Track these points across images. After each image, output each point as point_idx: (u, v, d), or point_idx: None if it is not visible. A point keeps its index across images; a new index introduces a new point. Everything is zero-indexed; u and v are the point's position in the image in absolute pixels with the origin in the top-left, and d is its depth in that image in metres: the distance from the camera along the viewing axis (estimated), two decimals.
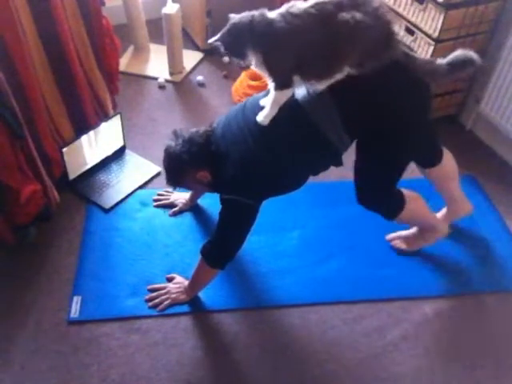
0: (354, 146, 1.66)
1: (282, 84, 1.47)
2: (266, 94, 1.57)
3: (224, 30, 1.42)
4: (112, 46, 2.28)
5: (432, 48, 2.20)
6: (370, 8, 1.37)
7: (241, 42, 1.40)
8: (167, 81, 2.85)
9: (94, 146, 2.23)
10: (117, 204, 2.15)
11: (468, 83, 2.46)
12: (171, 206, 2.15)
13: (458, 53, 1.48)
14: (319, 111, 1.53)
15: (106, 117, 2.30)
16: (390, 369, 1.69)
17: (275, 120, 1.53)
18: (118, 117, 2.28)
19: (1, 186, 1.71)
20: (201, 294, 1.84)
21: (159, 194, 2.20)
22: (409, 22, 2.30)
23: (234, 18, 1.42)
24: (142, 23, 2.94)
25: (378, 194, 1.75)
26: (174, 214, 2.13)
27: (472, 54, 1.47)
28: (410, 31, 2.31)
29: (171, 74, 2.89)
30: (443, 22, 2.12)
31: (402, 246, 2.02)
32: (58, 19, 1.87)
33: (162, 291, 1.83)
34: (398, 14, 2.34)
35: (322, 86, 1.49)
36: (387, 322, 1.81)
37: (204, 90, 2.83)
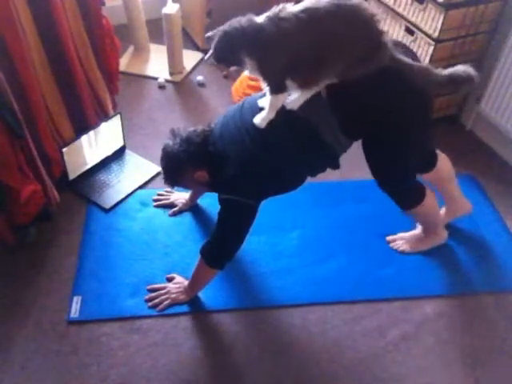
0: (353, 146, 1.67)
1: (277, 88, 1.47)
2: (265, 94, 1.57)
3: (216, 40, 1.41)
4: (112, 46, 2.28)
5: (432, 48, 2.20)
6: (361, 19, 1.36)
7: (235, 49, 1.40)
8: (167, 81, 2.85)
9: (94, 146, 2.23)
10: (117, 204, 2.15)
11: None
12: (171, 205, 2.15)
13: (459, 67, 1.48)
14: (315, 113, 1.53)
15: (105, 117, 2.30)
16: (390, 369, 1.69)
17: (272, 121, 1.53)
18: (118, 117, 2.28)
19: (1, 186, 1.71)
20: (201, 294, 1.84)
21: (159, 194, 2.20)
22: (409, 21, 2.30)
23: (219, 29, 1.42)
24: (142, 23, 2.94)
25: (395, 187, 1.76)
26: (174, 214, 2.13)
27: (471, 71, 1.46)
28: (410, 31, 2.31)
29: (171, 74, 2.89)
30: (443, 22, 2.12)
31: (403, 246, 2.02)
32: (58, 19, 1.87)
33: (162, 291, 1.83)
34: (398, 13, 2.34)
35: (309, 93, 1.49)
36: (387, 322, 1.81)
37: (204, 89, 2.83)
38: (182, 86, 2.84)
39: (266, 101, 1.53)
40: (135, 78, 2.87)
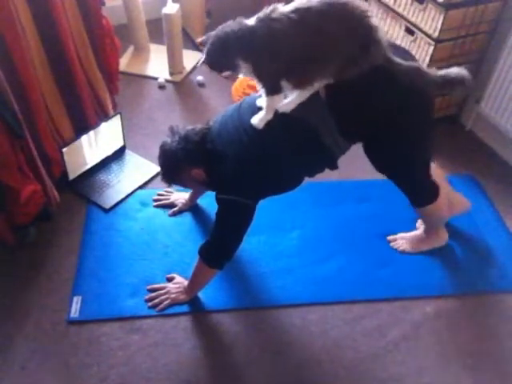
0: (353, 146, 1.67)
1: (272, 90, 1.47)
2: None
3: (208, 46, 1.41)
4: (112, 46, 2.28)
5: (432, 48, 2.20)
6: (352, 16, 1.35)
7: (229, 53, 1.40)
8: (167, 81, 2.85)
9: (94, 146, 2.23)
10: (117, 204, 2.15)
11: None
12: (171, 205, 2.15)
13: (453, 69, 1.47)
14: (314, 114, 1.53)
15: (105, 117, 2.30)
16: (390, 369, 1.69)
17: (270, 121, 1.53)
18: (118, 117, 2.28)
19: (1, 186, 1.71)
20: (200, 294, 1.84)
21: (159, 194, 2.20)
22: (409, 22, 2.30)
23: (210, 35, 1.42)
24: (142, 23, 2.94)
25: (405, 185, 1.78)
26: (174, 214, 2.13)
27: (465, 74, 1.46)
28: (410, 31, 2.31)
29: (171, 74, 2.89)
30: (443, 22, 2.12)
31: (403, 246, 2.02)
32: (58, 19, 1.87)
33: (162, 291, 1.83)
34: (398, 13, 2.34)
35: (304, 94, 1.49)
36: (387, 322, 1.81)
37: (204, 90, 2.83)
38: (182, 86, 2.84)
39: (263, 100, 1.53)
40: (135, 78, 2.87)
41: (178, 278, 1.86)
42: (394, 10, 2.35)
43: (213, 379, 1.65)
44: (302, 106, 1.53)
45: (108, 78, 2.32)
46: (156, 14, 2.91)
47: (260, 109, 1.54)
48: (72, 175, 2.19)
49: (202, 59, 1.45)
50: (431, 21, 2.17)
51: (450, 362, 1.71)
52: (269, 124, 1.53)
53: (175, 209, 2.13)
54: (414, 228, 2.07)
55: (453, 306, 1.87)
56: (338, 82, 1.46)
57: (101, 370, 1.64)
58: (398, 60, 1.45)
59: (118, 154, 2.36)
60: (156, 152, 1.75)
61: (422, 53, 2.26)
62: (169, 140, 1.69)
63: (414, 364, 1.70)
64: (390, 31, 2.41)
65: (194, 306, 1.82)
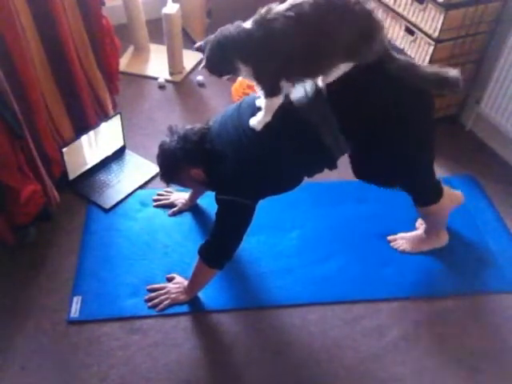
0: None
1: (271, 92, 1.47)
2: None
3: (208, 51, 1.41)
4: (112, 46, 2.28)
5: (432, 48, 2.20)
6: (347, 5, 1.35)
7: (229, 56, 1.40)
8: (167, 81, 2.85)
9: (94, 146, 2.23)
10: (117, 204, 2.15)
11: (468, 83, 2.45)
12: (171, 205, 2.15)
13: (447, 69, 1.47)
14: (315, 112, 1.53)
15: (105, 117, 2.30)
16: (390, 369, 1.69)
17: (270, 121, 1.52)
18: (118, 117, 2.28)
19: (1, 186, 1.71)
20: (200, 294, 1.84)
21: (159, 194, 2.20)
22: (409, 22, 2.30)
23: (208, 40, 1.42)
24: (142, 23, 2.94)
25: (409, 185, 1.79)
26: (174, 214, 2.13)
27: (457, 75, 1.45)
28: (410, 31, 2.31)
29: (171, 74, 2.89)
30: (443, 22, 2.12)
31: (403, 246, 2.02)
32: (58, 19, 1.87)
33: (162, 291, 1.83)
34: (398, 13, 2.34)
35: (325, 80, 1.49)
36: (387, 322, 1.81)
37: (204, 90, 2.83)
38: (182, 86, 2.84)
39: (262, 102, 1.53)
40: (135, 78, 2.87)
41: (178, 278, 1.86)
42: (394, 10, 2.35)
43: (213, 379, 1.65)
44: (302, 105, 1.53)
45: (108, 78, 2.32)
46: (156, 13, 2.91)
47: (259, 109, 1.54)
48: (72, 175, 2.19)
49: (203, 64, 1.45)
50: (431, 21, 2.17)
51: (450, 362, 1.71)
52: (268, 124, 1.53)
53: (175, 209, 2.13)
54: (414, 228, 2.07)
55: (453, 305, 1.87)
56: (339, 79, 1.46)
57: (101, 369, 1.64)
58: (395, 55, 1.46)
59: (118, 154, 2.36)
60: (156, 152, 1.75)
61: (421, 53, 2.26)
62: (168, 139, 1.69)
63: (414, 364, 1.70)
64: (390, 31, 2.41)
65: (194, 306, 1.82)
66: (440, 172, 2.27)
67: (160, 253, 1.98)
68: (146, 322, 1.77)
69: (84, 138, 2.16)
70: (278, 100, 1.50)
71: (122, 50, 2.69)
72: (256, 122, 1.53)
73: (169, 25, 2.71)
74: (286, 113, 1.52)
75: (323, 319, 1.81)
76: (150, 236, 2.04)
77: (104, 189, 2.20)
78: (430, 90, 1.60)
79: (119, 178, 2.26)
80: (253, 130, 1.54)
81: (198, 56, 3.02)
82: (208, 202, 2.13)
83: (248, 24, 1.38)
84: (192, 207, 2.15)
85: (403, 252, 2.01)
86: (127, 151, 2.39)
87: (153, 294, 1.82)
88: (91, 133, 2.18)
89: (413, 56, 2.29)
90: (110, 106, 2.37)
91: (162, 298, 1.81)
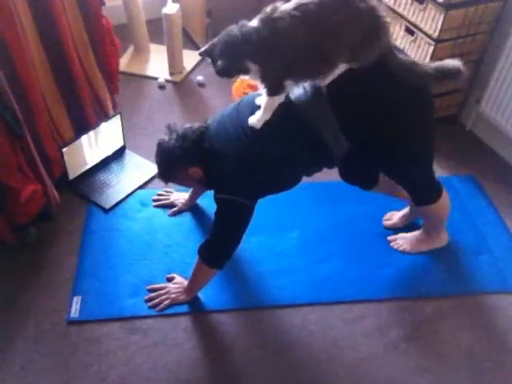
0: None
1: (274, 90, 1.47)
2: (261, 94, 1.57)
3: (217, 53, 1.39)
4: (112, 45, 2.28)
5: (432, 48, 2.20)
6: (352, 2, 1.35)
7: (240, 57, 1.39)
8: (167, 81, 2.85)
9: (94, 146, 2.23)
10: (117, 204, 2.15)
11: (468, 83, 2.46)
12: (171, 205, 2.15)
13: (447, 61, 1.48)
14: (313, 111, 1.53)
15: (105, 117, 2.30)
16: (390, 369, 1.69)
17: (269, 120, 1.52)
18: (118, 117, 2.28)
19: (1, 186, 1.71)
20: (200, 294, 1.84)
21: (159, 194, 2.20)
22: (409, 22, 2.30)
23: (214, 42, 1.40)
24: (142, 23, 2.94)
25: (408, 183, 1.78)
26: (174, 214, 2.13)
27: (459, 65, 1.46)
28: (410, 31, 2.31)
29: (171, 74, 2.89)
30: (443, 22, 2.12)
31: (403, 246, 2.02)
32: (58, 19, 1.87)
33: (162, 291, 1.83)
34: (398, 13, 2.34)
35: (324, 81, 1.49)
36: (387, 322, 1.81)
37: (204, 90, 2.83)
38: (181, 86, 2.84)
39: (262, 100, 1.53)
40: (135, 78, 2.87)
41: (178, 278, 1.86)
42: (394, 10, 2.35)
43: (213, 379, 1.65)
44: (301, 104, 1.53)
45: (108, 77, 2.32)
46: (156, 13, 2.91)
47: (259, 107, 1.54)
48: (72, 175, 2.19)
49: (214, 68, 1.43)
50: (431, 21, 2.17)
51: (450, 362, 1.71)
52: (268, 122, 1.53)
53: (175, 209, 2.13)
54: (413, 228, 2.07)
55: (453, 305, 1.86)
56: (339, 78, 1.46)
57: (101, 369, 1.64)
58: (397, 54, 1.46)
59: (118, 154, 2.36)
60: None
61: (422, 53, 2.26)
62: (166, 138, 1.68)
63: (414, 364, 1.70)
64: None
65: (194, 306, 1.82)
66: (440, 172, 2.28)
67: (160, 253, 1.98)
68: (146, 322, 1.77)
69: (84, 138, 2.16)
70: (280, 99, 1.50)
71: (122, 49, 2.69)
72: (255, 120, 1.53)
73: (169, 25, 2.71)
74: (286, 111, 1.52)
75: (323, 319, 1.81)
76: (150, 236, 2.04)
77: (104, 189, 2.20)
78: (431, 88, 1.60)
79: (119, 178, 2.26)
80: (252, 128, 1.54)
81: (198, 56, 3.01)
82: (208, 202, 2.13)
83: (254, 23, 1.38)
84: (192, 207, 2.15)
85: (403, 252, 2.01)
86: (127, 151, 2.39)
87: (153, 294, 1.82)
88: (91, 133, 2.18)
89: (413, 56, 2.29)
90: (109, 106, 2.37)
91: (162, 297, 1.81)
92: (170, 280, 1.87)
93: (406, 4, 2.29)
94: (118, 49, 2.37)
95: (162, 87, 2.81)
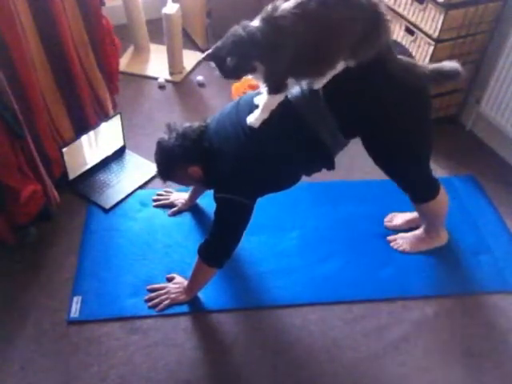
0: (353, 147, 1.66)
1: (276, 89, 1.47)
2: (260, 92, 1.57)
3: (226, 53, 1.38)
4: (112, 45, 2.28)
5: (432, 48, 2.20)
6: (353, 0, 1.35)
7: (247, 57, 1.38)
8: (167, 81, 2.85)
9: (94, 146, 2.23)
10: (117, 204, 2.15)
11: (468, 83, 2.46)
12: (171, 205, 2.15)
13: (445, 63, 1.48)
14: (311, 111, 1.53)
15: (105, 117, 2.30)
16: (390, 369, 1.69)
17: (267, 119, 1.52)
18: (118, 117, 2.28)
19: (1, 186, 1.71)
20: (200, 294, 1.84)
21: (159, 194, 2.20)
22: (409, 22, 2.30)
23: (218, 46, 1.39)
24: (142, 23, 2.94)
25: (404, 181, 1.78)
26: (174, 214, 2.13)
27: (457, 66, 1.46)
28: (410, 31, 2.31)
29: (171, 74, 2.89)
30: (443, 22, 2.12)
31: (403, 246, 2.02)
32: (58, 19, 1.87)
33: (162, 291, 1.83)
34: (398, 13, 2.34)
35: (319, 84, 1.49)
36: (387, 322, 1.81)
37: (204, 90, 2.83)
38: (182, 86, 2.84)
39: (261, 99, 1.52)
40: (135, 78, 2.87)
41: (178, 278, 1.86)
42: (394, 10, 2.35)
43: (213, 379, 1.65)
44: (299, 103, 1.53)
45: (108, 77, 2.32)
46: (156, 13, 2.91)
47: (258, 107, 1.54)
48: (72, 175, 2.19)
49: (228, 69, 1.41)
50: (431, 21, 2.17)
51: (450, 362, 1.71)
52: (266, 121, 1.52)
53: (175, 209, 2.13)
54: (413, 228, 2.07)
55: (453, 305, 1.87)
56: (335, 77, 1.46)
57: (101, 369, 1.64)
58: (396, 54, 1.46)
59: (118, 154, 2.36)
60: None
61: (422, 53, 2.26)
62: (166, 137, 1.68)
63: (414, 364, 1.70)
64: None
65: (193, 306, 1.82)
66: (440, 172, 2.28)
67: (160, 253, 1.98)
68: (146, 322, 1.77)
69: (84, 138, 2.16)
70: (280, 97, 1.50)
71: (121, 49, 2.69)
72: (253, 119, 1.53)
73: (169, 25, 2.71)
74: (284, 110, 1.52)
75: (323, 319, 1.81)
76: (150, 236, 2.04)
77: (104, 189, 2.20)
78: (430, 88, 1.60)
79: (119, 178, 2.26)
80: (251, 127, 1.54)
81: (198, 56, 3.02)
82: (208, 201, 2.12)
83: (256, 22, 1.37)
84: (192, 207, 2.15)
85: (403, 252, 2.01)
86: (127, 151, 2.39)
87: (153, 294, 1.82)
88: (91, 133, 2.18)
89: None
90: (109, 106, 2.37)
91: (162, 297, 1.81)
92: (169, 280, 1.87)
93: (405, 4, 2.29)
94: (118, 49, 2.37)
95: (162, 87, 2.81)
